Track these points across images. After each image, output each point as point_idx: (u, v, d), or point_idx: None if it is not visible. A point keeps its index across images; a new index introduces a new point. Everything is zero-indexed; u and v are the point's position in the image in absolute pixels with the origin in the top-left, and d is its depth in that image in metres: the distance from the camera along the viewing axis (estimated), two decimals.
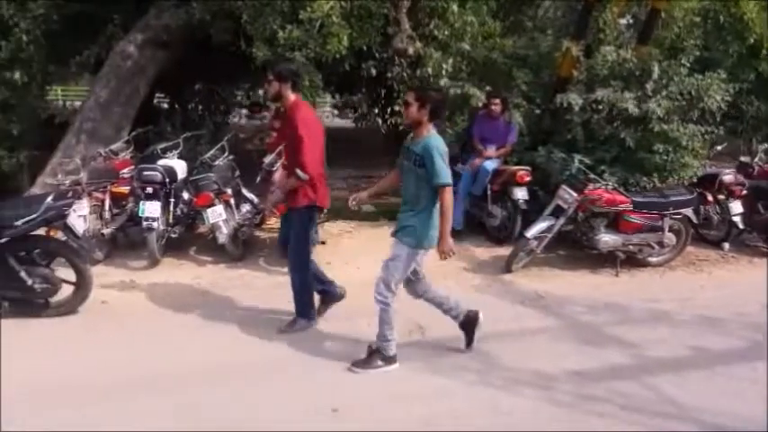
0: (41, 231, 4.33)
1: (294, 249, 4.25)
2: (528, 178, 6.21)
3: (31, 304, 4.36)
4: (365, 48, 6.51)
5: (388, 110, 9.84)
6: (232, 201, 5.81)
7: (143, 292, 5.04)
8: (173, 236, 5.74)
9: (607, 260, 5.81)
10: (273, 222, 6.72)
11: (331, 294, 4.56)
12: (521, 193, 6.15)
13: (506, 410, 3.39)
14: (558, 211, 5.64)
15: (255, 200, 6.39)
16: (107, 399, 3.40)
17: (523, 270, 5.69)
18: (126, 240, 6.04)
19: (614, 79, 6.46)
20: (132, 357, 3.89)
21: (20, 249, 4.22)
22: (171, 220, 5.69)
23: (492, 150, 6.37)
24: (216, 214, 5.47)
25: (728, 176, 6.50)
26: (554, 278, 5.62)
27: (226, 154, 6.31)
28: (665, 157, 6.23)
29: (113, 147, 6.16)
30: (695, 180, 6.53)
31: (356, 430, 3.19)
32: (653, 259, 5.90)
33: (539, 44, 7.20)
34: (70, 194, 4.36)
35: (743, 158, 7.36)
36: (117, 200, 5.77)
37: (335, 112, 11.43)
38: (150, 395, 3.45)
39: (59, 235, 4.28)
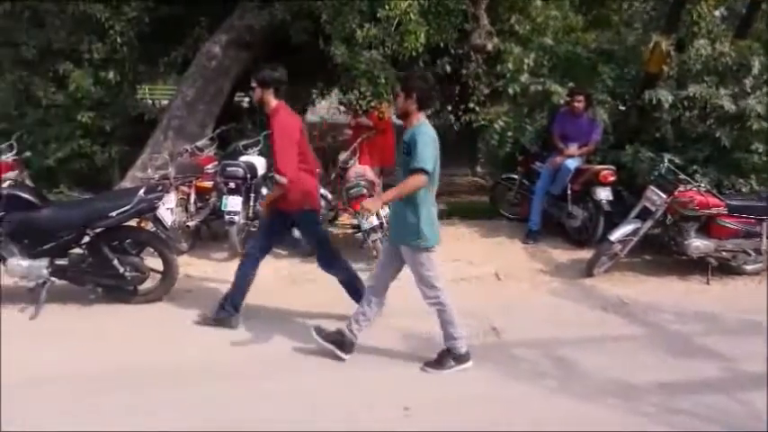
0: (133, 222, 4.57)
1: (319, 252, 4.36)
2: (612, 178, 5.93)
3: (122, 291, 4.59)
4: (441, 44, 6.44)
5: (462, 107, 9.68)
6: None
7: (224, 282, 5.19)
8: (252, 229, 5.90)
9: (697, 267, 5.45)
10: (346, 219, 6.80)
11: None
12: (604, 194, 5.89)
13: (587, 420, 3.23)
14: (644, 214, 5.34)
15: (329, 196, 6.47)
16: (191, 383, 3.53)
17: (605, 275, 5.44)
18: (208, 233, 6.29)
19: (708, 74, 6.07)
20: (214, 343, 4.02)
21: (113, 239, 4.47)
22: (250, 215, 5.86)
23: (574, 148, 6.14)
24: None
25: None
26: (639, 284, 5.34)
27: None
28: (766, 158, 5.78)
29: (198, 143, 6.41)
30: None
31: (428, 430, 3.15)
32: (748, 267, 5.48)
33: (625, 38, 6.87)
34: (160, 188, 4.57)
35: None
36: (201, 194, 6.02)
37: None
38: (229, 381, 3.56)
39: (149, 226, 4.48)
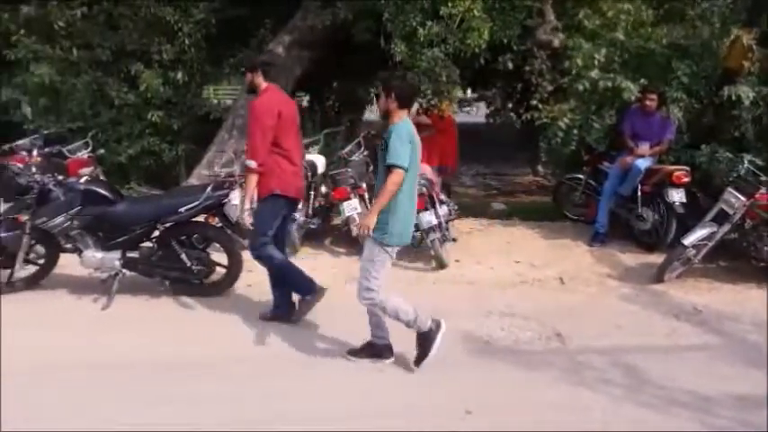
0: (201, 218, 4.69)
1: (251, 238, 4.22)
2: (686, 179, 5.64)
3: (188, 284, 4.72)
4: (504, 41, 6.31)
5: (524, 105, 9.49)
6: (366, 195, 5.91)
7: None
8: (311, 227, 5.97)
9: None
10: None
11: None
12: (677, 196, 5.61)
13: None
14: (721, 217, 5.05)
15: None
16: (250, 375, 3.59)
17: (678, 281, 5.17)
18: None
19: None
20: (273, 337, 4.07)
21: (181, 234, 4.61)
22: (310, 212, 5.93)
23: (645, 148, 5.87)
24: (351, 207, 5.59)
25: None
26: (713, 291, 5.05)
27: (361, 150, 6.44)
28: None
29: None
30: None
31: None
32: None
33: (701, 33, 6.52)
34: (226, 185, 4.66)
35: None
36: None
37: (475, 109, 11.21)
38: (286, 373, 3.61)
39: (216, 222, 4.59)
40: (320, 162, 6.20)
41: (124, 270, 4.56)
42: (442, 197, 5.75)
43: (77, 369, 3.59)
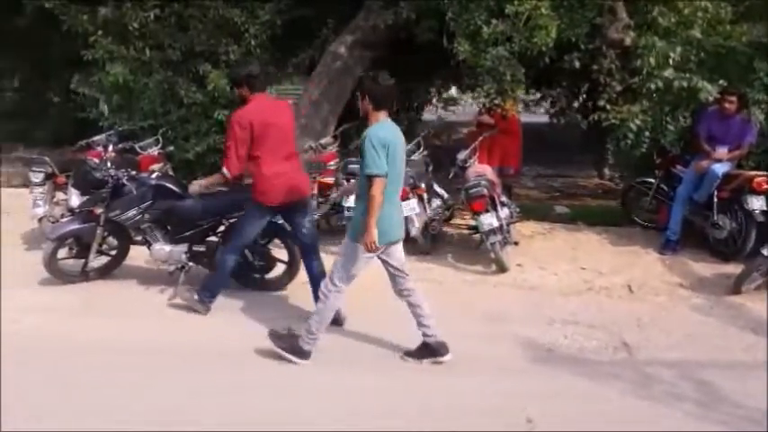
0: None
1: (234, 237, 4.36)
2: (767, 186, 5.30)
3: (250, 278, 4.82)
4: (572, 39, 6.09)
5: (590, 105, 9.18)
6: (425, 195, 5.86)
7: None
8: None
9: None
10: (461, 219, 6.68)
11: None
12: (758, 203, 5.26)
13: None
14: None
15: (445, 195, 6.39)
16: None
17: (756, 293, 4.83)
18: (328, 227, 6.44)
19: None
20: (330, 334, 4.02)
21: None
22: None
23: (723, 152, 5.53)
24: (409, 208, 5.54)
25: None
26: None
27: (421, 149, 6.40)
28: None
29: (322, 141, 6.58)
30: None
31: None
32: None
33: None
34: None
35: None
36: (322, 189, 6.18)
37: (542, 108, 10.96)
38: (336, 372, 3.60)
39: (278, 219, 4.65)
40: None
41: (190, 263, 4.70)
42: (504, 199, 5.62)
43: (142, 355, 3.74)
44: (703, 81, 5.47)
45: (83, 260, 4.86)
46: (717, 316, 4.52)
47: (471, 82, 6.67)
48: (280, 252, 4.88)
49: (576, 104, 9.83)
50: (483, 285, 5.02)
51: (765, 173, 5.40)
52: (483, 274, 5.26)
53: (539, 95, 10.17)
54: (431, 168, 6.40)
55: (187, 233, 4.65)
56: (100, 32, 7.69)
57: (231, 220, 4.65)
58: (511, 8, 5.54)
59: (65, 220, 5.20)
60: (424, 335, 3.72)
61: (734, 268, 5.08)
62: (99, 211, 4.68)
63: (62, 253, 4.84)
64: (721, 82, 5.70)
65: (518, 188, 8.02)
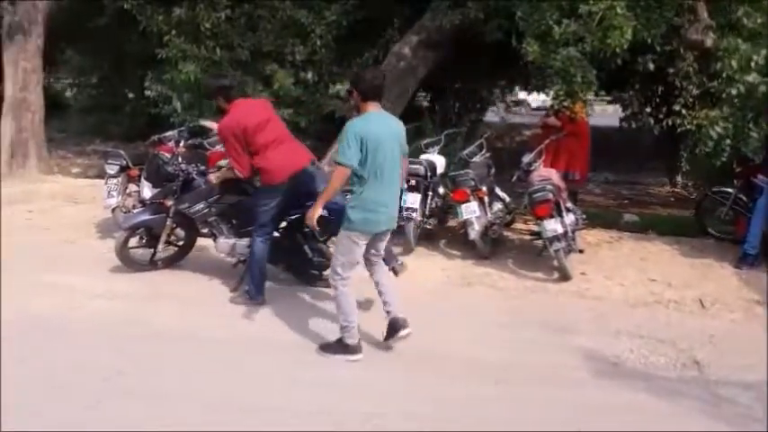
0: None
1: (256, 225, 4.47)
2: None
3: (308, 274, 4.88)
4: (647, 40, 5.83)
5: (664, 109, 8.79)
6: (486, 198, 5.76)
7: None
8: (427, 227, 5.93)
9: None
10: (523, 224, 6.53)
11: None
12: None
13: None
14: None
15: (507, 199, 6.26)
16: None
17: None
18: None
19: None
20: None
21: (305, 226, 4.73)
22: (427, 212, 5.89)
23: None
24: (469, 210, 5.47)
25: None
26: None
27: (483, 151, 6.30)
28: None
29: None
30: None
31: None
32: None
33: None
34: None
35: None
36: None
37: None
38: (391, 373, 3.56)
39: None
40: (440, 162, 6.15)
41: None
42: (569, 205, 5.44)
43: (201, 342, 3.86)
44: None
45: (152, 250, 5.05)
46: None
47: (539, 83, 6.50)
48: None
49: (648, 108, 9.41)
50: (544, 293, 4.87)
51: None
52: (544, 281, 5.10)
53: (609, 98, 9.81)
54: (493, 171, 6.28)
55: (250, 228, 4.75)
56: (174, 32, 8.00)
57: (293, 217, 4.71)
58: (584, 7, 5.35)
59: (136, 210, 5.41)
60: (387, 312, 3.83)
61: None
62: (169, 203, 4.85)
63: (132, 242, 5.04)
64: None
65: (584, 194, 7.77)
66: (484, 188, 5.64)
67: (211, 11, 7.81)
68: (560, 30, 5.46)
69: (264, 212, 4.41)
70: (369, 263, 3.90)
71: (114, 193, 5.91)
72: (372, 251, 3.84)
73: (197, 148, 5.79)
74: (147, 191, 5.33)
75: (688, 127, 6.08)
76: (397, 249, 5.81)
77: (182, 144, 5.25)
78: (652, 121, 9.19)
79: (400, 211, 5.70)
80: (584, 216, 5.57)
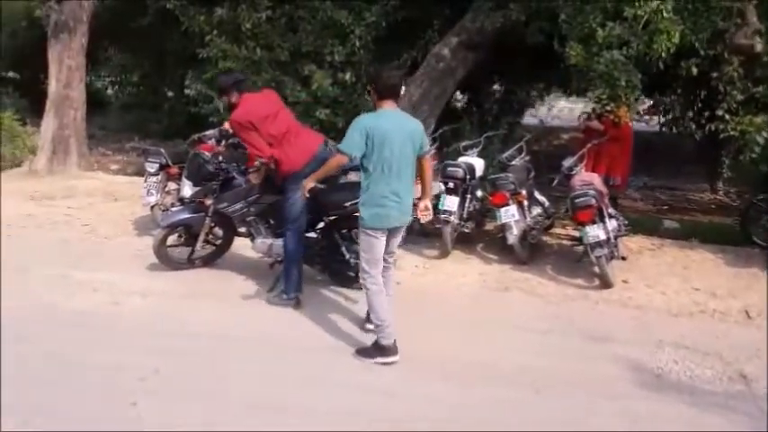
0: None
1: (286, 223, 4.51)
2: None
3: (344, 276, 4.87)
4: (696, 45, 5.68)
5: (706, 114, 8.55)
6: (525, 202, 5.68)
7: (433, 279, 5.25)
8: (465, 230, 5.88)
9: None
10: (562, 229, 6.42)
11: None
12: None
13: None
14: None
15: (546, 203, 6.17)
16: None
17: None
18: (419, 228, 6.39)
19: None
20: (420, 340, 3.99)
21: (343, 227, 4.76)
22: (464, 215, 5.84)
23: None
24: (508, 214, 5.41)
25: None
26: None
27: (523, 154, 6.22)
28: None
29: None
30: None
31: None
32: None
33: None
34: None
35: None
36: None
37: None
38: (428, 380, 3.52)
39: None
40: (479, 165, 6.09)
41: None
42: (611, 210, 5.34)
43: (243, 343, 3.88)
44: None
45: (190, 248, 5.10)
46: None
47: (581, 86, 6.39)
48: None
49: (690, 113, 9.18)
50: (585, 301, 4.78)
51: None
52: (585, 288, 5.01)
53: (650, 102, 9.59)
54: (532, 174, 6.19)
55: None
56: (215, 32, 8.10)
57: (331, 218, 4.72)
58: (629, 11, 5.26)
59: (175, 209, 5.47)
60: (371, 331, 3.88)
61: None
62: (209, 202, 4.90)
63: (171, 240, 5.10)
64: None
65: (622, 199, 7.62)
66: (523, 192, 5.57)
67: (252, 11, 7.88)
68: (604, 33, 5.37)
69: (293, 205, 4.45)
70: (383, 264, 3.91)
71: (154, 191, 5.98)
72: (386, 252, 3.84)
73: (236, 147, 5.84)
74: (188, 189, 5.39)
75: (731, 133, 5.90)
76: (432, 252, 5.82)
77: (222, 143, 5.30)
78: (693, 126, 8.96)
79: (437, 213, 5.70)
80: (626, 222, 5.45)
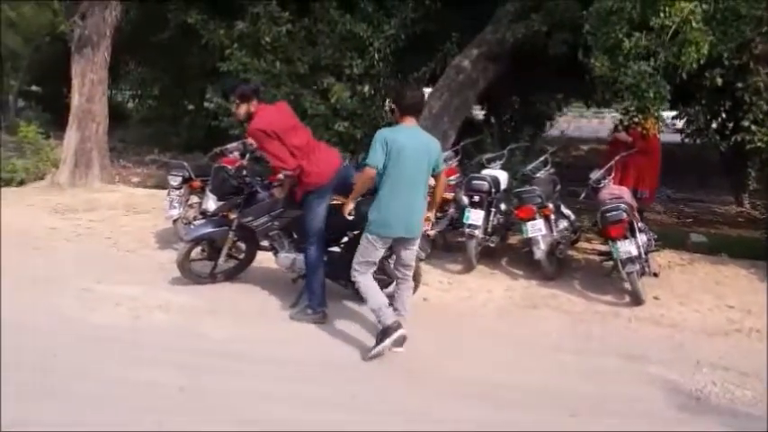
0: None
1: (306, 237, 4.46)
2: None
3: None
4: (724, 55, 5.57)
5: (730, 125, 8.39)
6: (552, 216, 5.58)
7: (458, 295, 5.16)
8: (490, 245, 5.79)
9: None
10: (587, 243, 6.30)
11: None
12: None
13: None
14: None
15: (572, 216, 6.05)
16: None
17: None
18: (443, 243, 6.32)
19: None
20: (448, 360, 3.93)
21: None
22: (489, 229, 5.74)
23: None
24: (535, 228, 5.30)
25: None
26: None
27: (548, 167, 6.12)
28: None
29: (443, 155, 6.46)
30: None
31: None
32: None
33: None
34: None
35: None
36: (440, 205, 6.05)
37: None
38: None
39: None
40: (503, 178, 6.00)
41: None
42: (641, 224, 5.21)
43: (266, 362, 3.81)
44: None
45: (212, 262, 5.06)
46: None
47: (606, 97, 6.29)
48: None
49: (714, 124, 9.01)
50: (617, 318, 4.65)
51: None
52: (615, 305, 4.88)
53: (673, 113, 9.44)
54: (558, 187, 6.08)
55: None
56: (235, 46, 8.14)
57: (356, 232, 4.65)
58: (656, 21, 5.16)
59: (199, 222, 5.45)
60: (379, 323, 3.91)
61: None
62: (233, 216, 4.87)
63: (193, 254, 5.05)
64: None
65: (646, 212, 7.47)
66: (550, 205, 5.46)
67: (273, 25, 7.92)
68: (630, 44, 5.28)
69: (316, 220, 4.41)
70: (397, 279, 4.04)
71: (176, 204, 5.95)
72: (400, 264, 3.97)
73: (259, 161, 5.81)
74: (212, 203, 5.36)
75: (758, 144, 5.77)
76: (456, 267, 5.72)
77: (246, 157, 5.27)
78: (718, 137, 8.80)
79: (461, 227, 5.63)
80: (655, 236, 5.32)
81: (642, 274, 4.83)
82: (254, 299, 4.86)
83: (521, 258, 5.88)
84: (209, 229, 5.00)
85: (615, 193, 5.18)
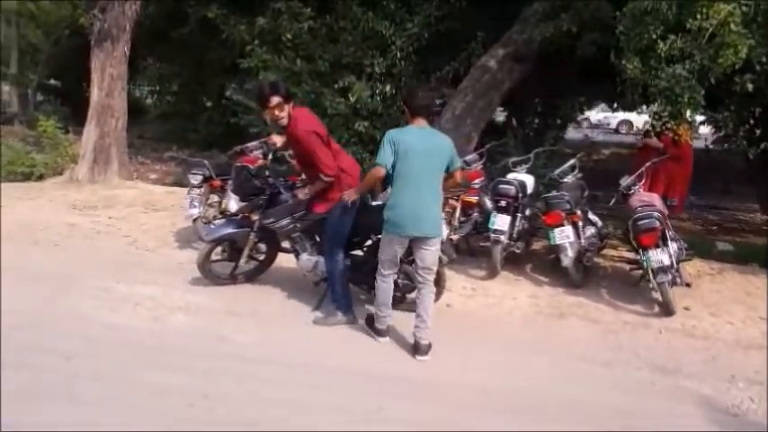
0: None
1: (328, 241, 4.42)
2: None
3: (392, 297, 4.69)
4: (764, 60, 5.40)
5: (758, 131, 8.18)
6: (580, 223, 5.44)
7: (482, 302, 5.05)
8: (515, 251, 5.66)
9: None
10: (613, 250, 6.16)
11: None
12: None
13: None
14: None
15: (599, 223, 5.91)
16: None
17: None
18: (466, 248, 6.21)
19: None
20: (475, 369, 3.84)
21: None
22: (515, 235, 5.62)
23: None
24: (563, 235, 5.16)
25: None
26: None
27: (575, 171, 5.98)
28: None
29: (467, 158, 6.35)
30: None
31: None
32: None
33: None
34: None
35: None
36: (464, 209, 5.96)
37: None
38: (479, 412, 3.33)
39: None
40: (530, 182, 5.87)
41: None
42: (672, 233, 5.06)
43: (289, 368, 3.72)
44: None
45: (233, 263, 4.98)
46: None
47: (637, 101, 6.14)
48: None
49: (743, 130, 8.81)
50: (647, 329, 4.51)
51: None
52: (645, 315, 4.75)
53: (701, 118, 9.25)
54: (586, 193, 5.93)
55: None
56: (256, 42, 8.07)
57: (379, 236, 4.56)
58: (693, 23, 5.00)
59: (219, 222, 5.38)
60: (415, 334, 3.96)
61: None
62: (255, 217, 4.79)
63: (213, 255, 4.97)
64: None
65: (672, 219, 7.31)
66: (578, 212, 5.32)
67: (294, 21, 7.84)
68: (665, 46, 5.13)
69: (342, 225, 4.35)
70: (418, 283, 4.03)
71: (197, 203, 5.89)
72: (420, 266, 3.96)
73: (280, 161, 5.74)
74: (234, 204, 5.30)
75: None
76: (480, 272, 5.61)
77: (270, 157, 5.19)
78: (746, 144, 8.59)
79: (486, 231, 5.51)
80: (686, 245, 5.17)
81: (673, 284, 4.69)
82: (275, 301, 4.79)
83: (545, 265, 5.76)
84: (230, 230, 4.92)
85: (645, 199, 5.04)
